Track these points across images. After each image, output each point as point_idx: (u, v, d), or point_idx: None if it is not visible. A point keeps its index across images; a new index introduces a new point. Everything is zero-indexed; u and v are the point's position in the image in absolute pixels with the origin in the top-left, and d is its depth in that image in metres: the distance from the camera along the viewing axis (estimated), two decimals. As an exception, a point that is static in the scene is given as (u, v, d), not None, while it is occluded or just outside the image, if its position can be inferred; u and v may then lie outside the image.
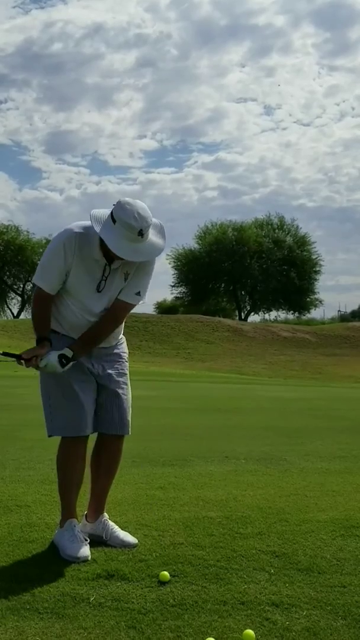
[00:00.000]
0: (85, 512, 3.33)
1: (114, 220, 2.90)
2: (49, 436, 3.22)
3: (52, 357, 3.00)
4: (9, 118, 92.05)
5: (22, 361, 3.01)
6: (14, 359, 3.07)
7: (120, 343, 3.33)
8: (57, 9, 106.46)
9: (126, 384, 3.28)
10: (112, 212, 2.93)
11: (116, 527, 3.25)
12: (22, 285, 55.62)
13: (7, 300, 56.24)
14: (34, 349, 3.05)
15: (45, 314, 3.11)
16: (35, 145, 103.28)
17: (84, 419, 3.11)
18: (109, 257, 3.01)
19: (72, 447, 3.15)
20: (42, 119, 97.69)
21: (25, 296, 55.45)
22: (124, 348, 3.35)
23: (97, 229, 2.92)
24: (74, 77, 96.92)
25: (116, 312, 3.13)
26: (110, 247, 2.89)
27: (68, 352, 3.01)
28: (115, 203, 2.95)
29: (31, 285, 55.27)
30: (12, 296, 56.35)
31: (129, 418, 3.27)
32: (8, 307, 56.40)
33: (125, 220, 2.86)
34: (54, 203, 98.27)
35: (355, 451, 6.13)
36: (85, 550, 3.01)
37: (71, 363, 3.03)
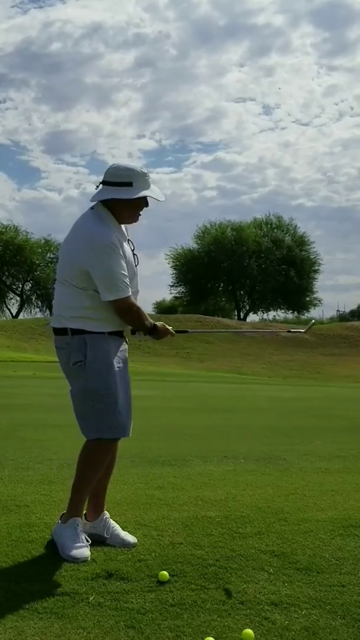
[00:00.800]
0: (84, 512, 3.33)
1: (129, 184, 3.03)
2: (91, 439, 3.11)
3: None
4: (8, 118, 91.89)
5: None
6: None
7: None
8: (56, 9, 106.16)
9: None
10: (112, 184, 3.05)
11: (117, 526, 3.24)
12: (20, 286, 55.61)
13: (6, 301, 56.21)
14: (167, 330, 3.27)
15: (140, 310, 3.18)
16: (34, 145, 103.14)
17: (129, 420, 3.16)
18: (122, 232, 3.16)
19: (110, 448, 3.17)
20: (40, 118, 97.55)
21: (24, 296, 55.45)
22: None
23: (143, 194, 3.05)
24: (73, 77, 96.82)
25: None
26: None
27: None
28: (101, 182, 3.09)
29: (30, 285, 55.60)
30: (11, 296, 56.34)
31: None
32: (7, 307, 56.39)
33: (137, 172, 3.06)
34: (52, 203, 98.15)
35: (354, 451, 6.13)
36: (86, 552, 2.99)
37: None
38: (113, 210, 3.11)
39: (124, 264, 3.05)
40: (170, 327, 3.30)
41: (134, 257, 3.21)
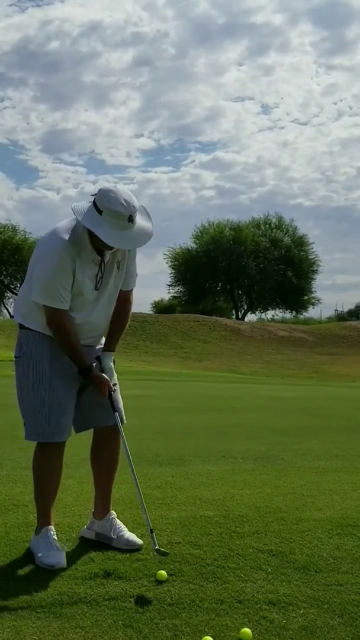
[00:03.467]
0: (92, 510, 3.31)
1: (99, 211, 2.80)
2: (26, 439, 3.12)
3: (109, 364, 3.11)
4: (6, 117, 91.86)
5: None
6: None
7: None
8: (54, 7, 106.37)
9: (115, 378, 3.19)
10: (94, 203, 2.83)
11: (124, 527, 3.22)
12: (19, 285, 55.52)
13: (4, 300, 56.18)
14: (102, 382, 3.04)
15: (75, 337, 2.97)
16: (32, 144, 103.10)
17: (64, 424, 3.04)
18: (100, 252, 2.96)
19: (49, 454, 3.08)
20: (38, 117, 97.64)
21: (22, 296, 55.31)
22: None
23: (88, 224, 2.82)
24: (71, 76, 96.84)
25: (128, 300, 3.23)
26: (104, 239, 2.80)
27: (110, 357, 3.11)
28: (94, 193, 2.86)
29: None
30: (9, 296, 56.28)
31: (122, 409, 3.21)
32: (5, 307, 56.32)
33: (113, 208, 2.78)
34: (51, 202, 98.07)
35: (352, 450, 6.14)
36: (62, 559, 2.92)
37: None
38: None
39: (69, 280, 2.88)
40: (109, 383, 3.05)
41: (99, 280, 3.00)
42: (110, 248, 2.92)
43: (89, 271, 2.97)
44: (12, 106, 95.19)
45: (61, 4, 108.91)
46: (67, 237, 2.88)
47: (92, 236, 2.88)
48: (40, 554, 2.94)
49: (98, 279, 3.01)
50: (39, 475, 3.11)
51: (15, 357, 3.11)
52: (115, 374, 3.20)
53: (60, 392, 3.03)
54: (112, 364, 3.12)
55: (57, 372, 3.02)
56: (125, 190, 2.86)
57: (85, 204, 2.89)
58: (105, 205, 2.80)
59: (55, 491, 3.14)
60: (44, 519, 3.09)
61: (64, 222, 2.96)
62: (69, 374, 3.05)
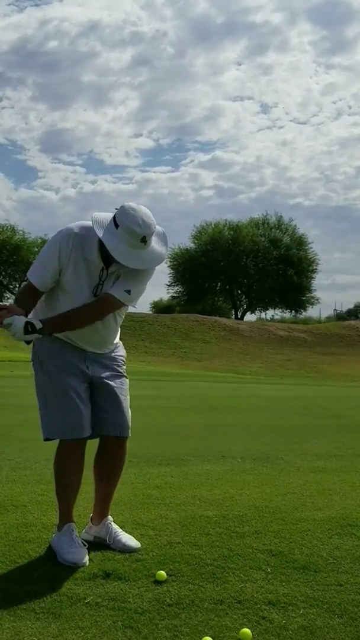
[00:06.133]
0: (91, 515, 3.31)
1: (116, 225, 2.86)
2: (45, 439, 3.13)
3: (19, 320, 2.89)
4: (4, 117, 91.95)
5: None
6: None
7: (117, 347, 3.29)
8: (53, 7, 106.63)
9: (124, 386, 3.21)
10: (114, 217, 2.89)
11: (120, 530, 3.21)
12: (17, 285, 55.52)
13: (3, 301, 56.15)
14: (4, 305, 2.98)
15: (24, 301, 3.04)
16: (30, 144, 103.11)
17: (81, 421, 3.05)
18: (107, 260, 2.97)
19: (71, 451, 3.10)
20: (37, 117, 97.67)
21: (21, 296, 55.31)
22: (119, 351, 3.30)
23: (99, 232, 2.88)
24: (70, 76, 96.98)
25: (99, 304, 3.00)
26: (111, 252, 2.84)
27: (37, 323, 2.91)
28: (118, 207, 2.91)
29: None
30: (8, 296, 56.24)
31: (129, 420, 3.21)
32: (4, 307, 56.30)
33: (129, 225, 2.81)
34: (49, 202, 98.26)
35: (351, 450, 6.14)
36: (84, 556, 2.96)
37: (35, 335, 2.92)
38: None
39: (54, 266, 2.95)
40: (4, 307, 2.96)
41: (98, 286, 3.01)
42: (117, 262, 2.92)
43: (87, 271, 2.99)
44: (11, 106, 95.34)
45: (60, 3, 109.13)
46: (75, 230, 2.97)
47: (103, 244, 2.91)
48: (62, 551, 2.97)
49: (98, 285, 3.02)
50: (60, 474, 3.13)
51: (31, 359, 3.17)
52: (126, 389, 3.22)
53: (75, 388, 3.06)
54: (20, 325, 2.89)
55: (62, 370, 3.06)
56: (146, 211, 2.89)
57: (107, 215, 2.94)
58: (122, 220, 2.84)
59: (76, 490, 3.17)
60: (65, 516, 3.11)
61: (85, 221, 3.02)
62: (80, 374, 3.08)
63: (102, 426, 3.14)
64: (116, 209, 2.91)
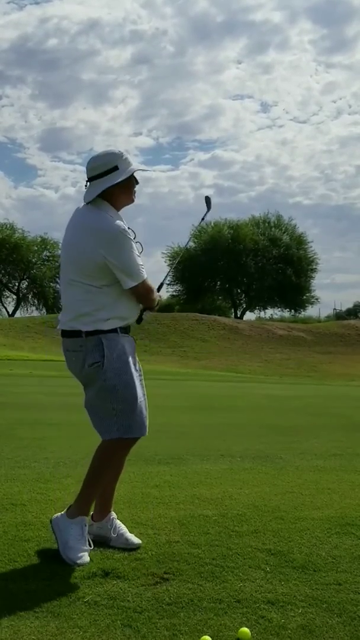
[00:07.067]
0: (91, 513, 3.30)
1: (115, 168, 3.04)
2: (111, 439, 3.07)
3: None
4: (4, 115, 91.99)
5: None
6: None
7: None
8: (52, 5, 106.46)
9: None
10: (103, 173, 3.03)
11: (124, 526, 3.22)
12: (17, 284, 55.53)
13: (2, 299, 56.16)
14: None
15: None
16: (30, 142, 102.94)
17: (146, 418, 3.18)
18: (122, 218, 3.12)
19: (129, 447, 3.18)
20: (37, 115, 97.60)
21: (20, 295, 55.35)
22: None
23: (123, 175, 3.04)
24: (69, 74, 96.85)
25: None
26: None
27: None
28: (89, 179, 3.07)
29: (26, 283, 55.46)
30: (7, 294, 56.27)
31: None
32: (3, 305, 56.33)
33: (116, 153, 3.07)
34: (49, 201, 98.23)
35: (350, 449, 6.14)
36: (86, 557, 2.94)
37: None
38: (109, 198, 3.08)
39: (136, 249, 3.06)
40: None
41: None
42: (131, 200, 3.17)
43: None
44: (10, 104, 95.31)
45: (59, 1, 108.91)
46: (111, 217, 3.05)
47: (115, 202, 3.09)
48: (68, 544, 2.95)
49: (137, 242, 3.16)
50: (106, 466, 3.12)
51: (95, 363, 3.03)
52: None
53: (142, 386, 3.22)
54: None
55: (136, 369, 3.18)
56: (94, 153, 3.17)
57: (94, 190, 3.07)
58: (110, 160, 3.05)
59: (104, 488, 3.20)
60: (86, 507, 3.11)
61: (89, 212, 3.09)
62: (138, 368, 3.21)
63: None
64: (85, 186, 3.13)
